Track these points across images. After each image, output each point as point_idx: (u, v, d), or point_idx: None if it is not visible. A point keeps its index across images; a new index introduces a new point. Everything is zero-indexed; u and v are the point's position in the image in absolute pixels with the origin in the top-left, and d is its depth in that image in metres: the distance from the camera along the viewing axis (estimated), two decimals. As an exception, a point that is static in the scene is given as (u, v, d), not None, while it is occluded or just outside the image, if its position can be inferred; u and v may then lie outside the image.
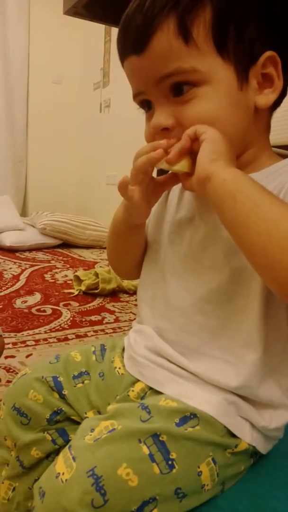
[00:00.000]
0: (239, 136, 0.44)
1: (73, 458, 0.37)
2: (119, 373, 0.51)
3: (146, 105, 0.46)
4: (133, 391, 0.48)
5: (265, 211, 0.35)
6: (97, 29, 3.00)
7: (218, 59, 0.41)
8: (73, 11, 1.08)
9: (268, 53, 0.41)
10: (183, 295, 0.47)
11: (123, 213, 0.51)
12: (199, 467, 0.39)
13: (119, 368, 0.52)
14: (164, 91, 0.43)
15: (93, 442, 0.38)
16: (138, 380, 0.48)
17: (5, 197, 3.08)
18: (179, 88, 0.42)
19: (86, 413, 0.51)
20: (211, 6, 0.40)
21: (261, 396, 0.44)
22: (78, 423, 0.51)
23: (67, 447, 0.40)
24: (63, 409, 0.51)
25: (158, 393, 0.46)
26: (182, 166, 0.42)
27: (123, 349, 0.54)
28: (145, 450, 0.38)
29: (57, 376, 0.52)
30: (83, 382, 0.53)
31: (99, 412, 0.51)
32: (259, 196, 0.36)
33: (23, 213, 3.41)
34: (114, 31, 3.14)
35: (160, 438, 0.39)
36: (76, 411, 0.51)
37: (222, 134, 0.41)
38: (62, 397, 0.51)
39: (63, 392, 0.51)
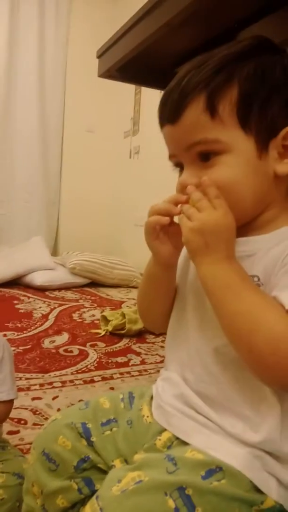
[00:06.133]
0: (257, 199, 0.48)
1: (101, 509, 0.38)
2: (147, 421, 0.52)
3: (179, 165, 0.52)
4: (160, 440, 0.48)
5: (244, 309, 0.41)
6: (128, 82, 3.21)
7: (240, 132, 0.46)
8: (107, 74, 1.18)
9: None
10: (201, 344, 0.49)
11: (153, 258, 0.55)
12: (225, 525, 0.39)
13: (147, 416, 0.52)
14: (192, 156, 0.49)
15: (120, 493, 0.39)
16: (165, 429, 0.49)
17: (37, 237, 3.21)
18: (205, 155, 0.47)
19: (113, 461, 0.51)
20: (237, 86, 0.46)
21: (285, 451, 0.43)
22: (105, 472, 0.52)
23: (94, 497, 0.40)
24: (90, 456, 0.52)
25: (185, 443, 0.46)
26: None
27: (152, 397, 0.55)
28: (171, 504, 0.38)
29: (86, 422, 0.53)
30: (111, 430, 0.53)
31: (126, 461, 0.51)
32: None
33: (54, 252, 3.52)
34: (144, 84, 3.22)
35: (186, 492, 0.39)
36: (103, 459, 0.52)
37: (240, 198, 0.47)
38: (90, 444, 0.52)
39: (91, 439, 0.52)
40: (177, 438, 0.48)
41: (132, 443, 0.51)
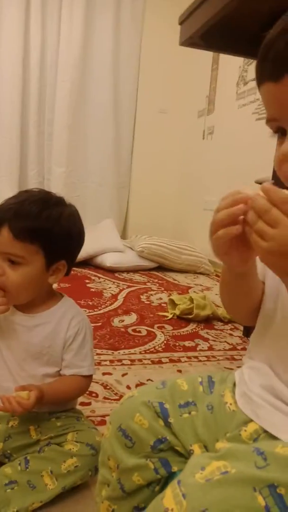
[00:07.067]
0: None
1: (183, 495, 0.36)
2: (230, 409, 0.49)
3: (280, 131, 0.45)
4: (245, 431, 0.45)
5: None
6: (204, 58, 3.08)
7: None
8: (189, 41, 1.12)
9: None
10: None
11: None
12: None
13: (230, 404, 0.49)
14: None
15: (204, 481, 0.36)
16: (251, 420, 0.45)
17: (108, 220, 3.27)
18: None
19: (191, 446, 0.49)
20: None
21: None
22: (182, 455, 0.50)
23: (175, 481, 0.38)
24: (167, 438, 0.50)
25: (273, 437, 0.42)
26: None
27: (234, 384, 0.51)
28: (261, 501, 0.34)
29: (163, 402, 0.51)
30: (189, 413, 0.51)
31: (205, 447, 0.48)
32: None
33: (123, 235, 3.57)
34: (222, 59, 3.21)
35: (278, 491, 0.35)
36: (181, 442, 0.49)
37: None
38: (167, 425, 0.50)
39: (168, 420, 0.50)
40: (265, 431, 0.44)
41: (213, 430, 0.49)
